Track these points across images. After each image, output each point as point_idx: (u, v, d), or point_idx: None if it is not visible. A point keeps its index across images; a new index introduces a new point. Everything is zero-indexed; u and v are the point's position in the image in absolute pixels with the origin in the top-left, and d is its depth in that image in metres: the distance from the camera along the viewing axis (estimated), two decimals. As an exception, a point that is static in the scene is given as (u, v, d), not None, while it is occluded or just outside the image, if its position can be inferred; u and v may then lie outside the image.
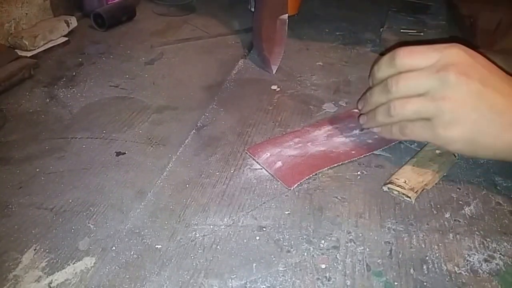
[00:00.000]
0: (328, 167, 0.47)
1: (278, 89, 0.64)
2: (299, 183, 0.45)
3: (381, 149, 0.50)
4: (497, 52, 0.55)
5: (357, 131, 0.53)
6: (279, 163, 0.47)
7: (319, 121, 0.55)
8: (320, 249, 0.39)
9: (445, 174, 0.47)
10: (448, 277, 0.36)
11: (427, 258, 0.38)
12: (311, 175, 0.46)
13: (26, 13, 0.76)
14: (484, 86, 0.39)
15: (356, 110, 0.57)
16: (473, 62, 0.40)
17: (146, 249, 0.38)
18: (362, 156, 0.49)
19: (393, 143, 0.51)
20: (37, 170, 0.47)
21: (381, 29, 0.85)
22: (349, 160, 0.48)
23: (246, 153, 0.49)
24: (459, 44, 0.41)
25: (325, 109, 0.59)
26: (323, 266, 0.37)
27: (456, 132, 0.39)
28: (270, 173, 0.46)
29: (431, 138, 0.42)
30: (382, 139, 0.51)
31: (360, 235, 0.40)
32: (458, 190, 0.46)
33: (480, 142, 0.39)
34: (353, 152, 0.49)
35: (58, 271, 0.36)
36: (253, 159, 0.49)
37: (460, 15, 0.87)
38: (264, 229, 0.41)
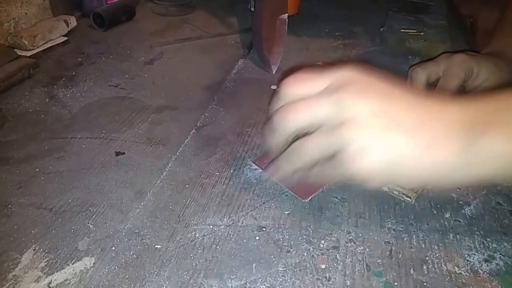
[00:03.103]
0: None
1: (278, 89, 0.64)
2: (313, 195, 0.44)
3: None
4: (486, 55, 0.55)
5: None
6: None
7: None
8: (320, 249, 0.39)
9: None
10: (448, 277, 0.36)
11: (427, 258, 0.38)
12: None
13: (26, 13, 0.76)
14: (387, 104, 0.33)
15: None
16: (369, 80, 0.34)
17: (145, 249, 0.38)
18: None
19: None
20: (37, 170, 0.47)
21: (381, 29, 0.85)
22: None
23: (254, 163, 0.49)
24: (351, 66, 0.35)
25: (325, 109, 0.59)
26: (323, 266, 0.37)
27: (371, 162, 0.32)
28: (282, 186, 0.45)
29: (346, 175, 0.34)
30: None
31: (360, 235, 0.40)
32: (458, 190, 0.46)
33: (400, 168, 0.32)
34: None
35: (57, 271, 0.36)
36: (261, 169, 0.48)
37: (460, 15, 0.87)
38: (264, 229, 0.41)
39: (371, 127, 0.32)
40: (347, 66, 0.35)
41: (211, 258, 0.37)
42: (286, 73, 0.36)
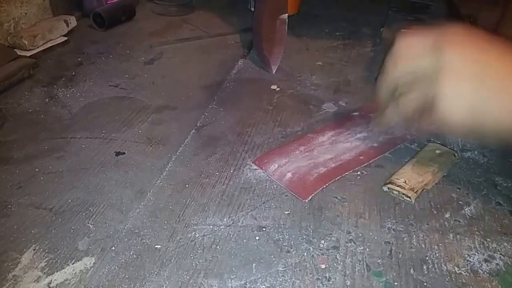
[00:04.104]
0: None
1: (278, 89, 0.64)
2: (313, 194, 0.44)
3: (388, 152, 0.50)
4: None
5: (361, 135, 0.52)
6: (289, 175, 0.46)
7: (321, 127, 0.55)
8: (320, 249, 0.39)
9: (445, 174, 0.47)
10: (448, 277, 0.36)
11: (427, 258, 0.38)
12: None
13: (26, 13, 0.76)
14: (480, 55, 0.36)
15: (355, 113, 0.57)
16: (469, 37, 0.38)
17: (145, 249, 0.38)
18: (371, 161, 0.49)
19: (399, 146, 0.51)
20: (37, 170, 0.47)
21: (381, 29, 0.85)
22: (359, 167, 0.48)
23: (254, 163, 0.49)
24: (457, 24, 0.39)
25: (325, 109, 0.59)
26: (323, 266, 0.37)
27: (459, 106, 0.36)
28: (281, 186, 0.46)
29: (438, 123, 0.38)
30: (388, 142, 0.51)
31: (360, 235, 0.40)
32: (458, 190, 0.46)
33: (487, 111, 0.36)
34: (361, 157, 0.49)
35: (57, 271, 0.36)
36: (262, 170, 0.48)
37: (460, 15, 0.87)
38: (264, 229, 0.41)
39: (462, 74, 0.36)
40: (453, 25, 0.39)
41: (211, 258, 0.37)
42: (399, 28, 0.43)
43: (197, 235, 0.40)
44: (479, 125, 0.36)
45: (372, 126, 0.53)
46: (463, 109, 0.36)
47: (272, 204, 0.43)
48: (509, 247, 0.39)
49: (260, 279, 0.36)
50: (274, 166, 0.48)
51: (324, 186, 0.45)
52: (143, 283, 0.35)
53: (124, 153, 0.50)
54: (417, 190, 0.44)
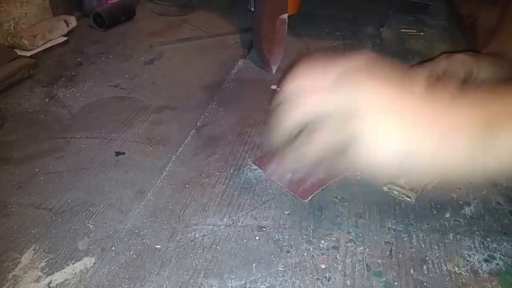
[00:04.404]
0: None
1: (278, 89, 0.64)
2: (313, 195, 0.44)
3: None
4: (486, 55, 0.55)
5: None
6: (289, 175, 0.46)
7: None
8: (320, 249, 0.39)
9: (445, 174, 0.47)
10: (448, 277, 0.36)
11: (427, 258, 0.38)
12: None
13: (26, 13, 0.76)
14: (403, 95, 0.31)
15: None
16: (381, 70, 0.33)
17: (145, 249, 0.38)
18: None
19: None
20: (36, 170, 0.47)
21: (381, 29, 0.85)
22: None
23: (254, 163, 0.49)
24: (362, 53, 0.34)
25: (325, 109, 0.59)
26: (323, 266, 0.37)
27: (386, 152, 0.30)
28: (282, 186, 0.46)
29: (357, 168, 0.33)
30: None
31: (360, 235, 0.40)
32: (458, 190, 0.46)
33: (417, 158, 0.31)
34: None
35: (57, 271, 0.36)
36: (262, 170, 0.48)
37: (460, 15, 0.87)
38: (264, 229, 0.41)
39: (386, 117, 0.31)
40: (357, 55, 0.34)
41: (211, 258, 0.37)
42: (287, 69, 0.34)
43: (197, 235, 0.40)
44: (406, 166, 0.31)
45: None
46: (389, 149, 0.30)
47: (272, 204, 0.43)
48: (509, 247, 0.39)
49: (260, 279, 0.36)
50: (274, 166, 0.48)
51: (324, 186, 0.45)
52: (143, 283, 0.35)
53: (124, 153, 0.50)
54: (417, 190, 0.44)
